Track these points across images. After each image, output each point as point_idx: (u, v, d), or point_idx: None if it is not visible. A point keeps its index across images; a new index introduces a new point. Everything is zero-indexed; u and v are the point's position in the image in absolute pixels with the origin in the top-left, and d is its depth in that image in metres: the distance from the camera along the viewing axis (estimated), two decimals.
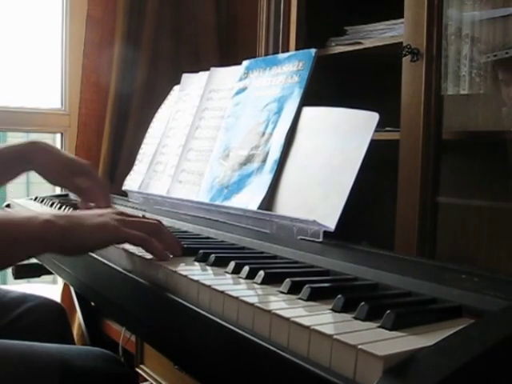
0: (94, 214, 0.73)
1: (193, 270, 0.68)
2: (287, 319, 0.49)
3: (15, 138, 4.09)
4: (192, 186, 1.21)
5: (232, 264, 0.67)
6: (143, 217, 0.82)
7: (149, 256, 0.74)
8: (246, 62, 1.24)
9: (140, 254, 0.77)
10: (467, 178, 1.12)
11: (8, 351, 0.85)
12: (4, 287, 1.28)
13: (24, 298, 1.15)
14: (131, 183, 1.47)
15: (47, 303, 1.18)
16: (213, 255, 0.72)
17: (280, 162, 1.02)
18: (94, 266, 0.86)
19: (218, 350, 0.56)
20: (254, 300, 0.54)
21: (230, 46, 2.18)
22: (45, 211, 0.85)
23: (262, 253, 0.80)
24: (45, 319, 1.13)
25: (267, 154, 1.05)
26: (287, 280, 0.59)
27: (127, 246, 0.82)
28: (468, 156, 1.13)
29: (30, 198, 1.51)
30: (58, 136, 2.11)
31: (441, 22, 1.09)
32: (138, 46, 2.00)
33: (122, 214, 0.76)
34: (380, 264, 0.68)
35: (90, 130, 2.01)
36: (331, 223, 0.85)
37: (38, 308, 1.14)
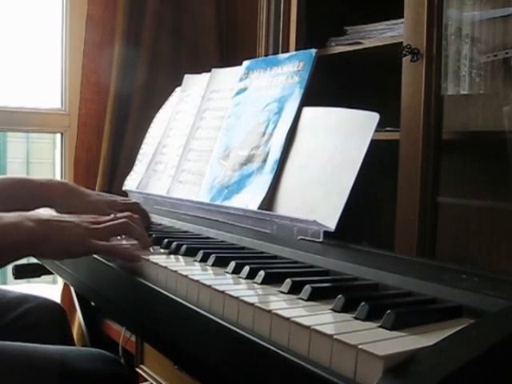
0: (70, 225, 0.75)
1: (193, 270, 0.68)
2: (287, 319, 0.49)
3: (15, 138, 4.09)
4: (192, 186, 1.21)
5: (232, 264, 0.67)
6: (115, 216, 0.83)
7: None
8: (246, 63, 1.25)
9: (140, 254, 0.78)
10: (467, 178, 1.12)
11: (7, 352, 0.84)
12: (3, 287, 1.28)
13: (24, 299, 1.15)
14: (131, 183, 1.47)
15: (47, 304, 1.18)
16: (213, 255, 0.72)
17: (280, 162, 1.02)
18: (94, 265, 0.86)
19: (218, 350, 0.56)
20: (254, 300, 0.54)
21: (230, 46, 2.18)
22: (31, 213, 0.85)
23: (262, 253, 0.80)
24: (44, 320, 1.13)
25: (267, 154, 1.05)
26: (287, 280, 0.59)
27: (127, 245, 0.82)
28: (468, 156, 1.13)
29: None
30: (58, 136, 2.11)
31: (441, 22, 1.09)
32: (138, 46, 2.00)
33: (94, 222, 0.78)
34: (380, 264, 0.68)
35: (90, 130, 2.01)
36: (331, 223, 0.85)
37: (37, 308, 1.14)
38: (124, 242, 0.82)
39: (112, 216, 0.83)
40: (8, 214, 0.74)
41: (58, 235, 0.74)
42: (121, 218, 0.82)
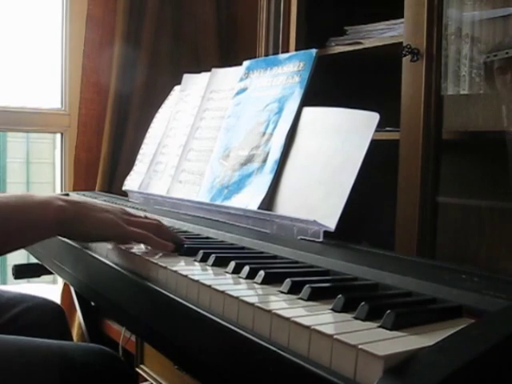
0: (102, 209, 0.78)
1: (193, 270, 0.68)
2: (287, 319, 0.49)
3: (15, 138, 4.09)
4: (192, 186, 1.21)
5: (232, 264, 0.67)
6: (145, 217, 0.86)
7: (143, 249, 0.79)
8: (246, 63, 1.25)
9: (140, 253, 0.78)
10: (467, 177, 1.12)
11: (8, 346, 0.85)
12: (1, 287, 1.28)
13: (21, 299, 1.15)
14: (131, 183, 1.47)
15: (45, 303, 1.18)
16: (213, 255, 0.72)
17: (280, 162, 1.02)
18: (94, 266, 0.86)
19: (218, 350, 0.56)
20: (254, 300, 0.54)
21: (230, 46, 2.18)
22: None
23: (262, 253, 0.80)
24: (42, 319, 1.13)
25: (267, 154, 1.05)
26: (287, 280, 0.59)
27: (127, 246, 0.82)
28: (468, 156, 1.13)
29: None
30: (58, 136, 2.11)
31: (441, 22, 1.09)
32: (138, 46, 2.00)
33: (127, 213, 0.81)
34: (380, 264, 0.68)
35: (90, 130, 2.01)
36: (331, 223, 0.85)
37: (35, 308, 1.14)
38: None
39: (143, 215, 0.87)
40: (40, 195, 0.76)
41: (88, 217, 0.76)
42: (152, 219, 0.84)
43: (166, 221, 1.07)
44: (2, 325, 1.09)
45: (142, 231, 0.78)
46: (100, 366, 0.89)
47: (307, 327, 0.47)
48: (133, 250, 0.79)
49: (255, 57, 1.47)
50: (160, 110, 1.52)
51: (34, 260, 1.25)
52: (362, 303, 0.51)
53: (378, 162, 0.97)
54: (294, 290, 0.58)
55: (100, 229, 0.77)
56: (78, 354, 0.89)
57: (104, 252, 0.86)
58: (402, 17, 1.15)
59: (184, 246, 0.79)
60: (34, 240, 0.80)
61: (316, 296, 0.56)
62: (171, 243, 0.79)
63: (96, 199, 1.33)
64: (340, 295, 0.53)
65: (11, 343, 0.86)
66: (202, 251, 0.74)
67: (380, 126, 0.92)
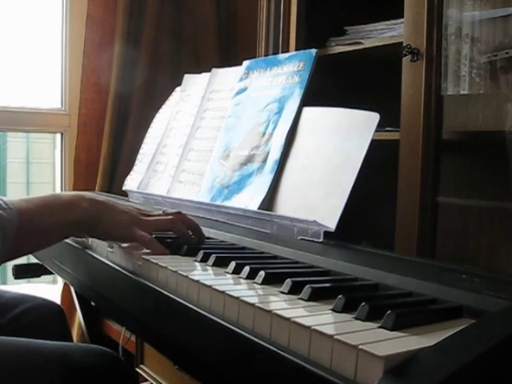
0: (121, 210, 0.83)
1: (193, 270, 0.68)
2: (288, 319, 0.49)
3: (15, 138, 4.09)
4: (192, 186, 1.21)
5: (232, 264, 0.67)
6: (163, 212, 0.89)
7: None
8: (246, 63, 1.25)
9: (140, 253, 0.78)
10: (467, 178, 1.11)
11: (8, 347, 0.85)
12: (1, 288, 1.28)
13: (21, 299, 1.15)
14: (131, 183, 1.47)
15: (45, 304, 1.18)
16: (213, 255, 0.72)
17: (280, 162, 1.02)
18: (94, 266, 0.86)
19: (219, 350, 0.56)
20: (254, 300, 0.54)
21: (230, 46, 2.18)
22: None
23: (262, 253, 0.80)
24: (42, 320, 1.13)
25: (267, 154, 1.05)
26: (288, 280, 0.59)
27: (127, 245, 0.82)
28: (468, 156, 1.13)
29: None
30: (58, 136, 2.11)
31: (441, 22, 1.09)
32: (138, 46, 2.00)
33: (144, 214, 0.85)
34: (380, 264, 0.68)
35: (90, 130, 2.01)
36: (331, 223, 0.85)
37: (35, 309, 1.14)
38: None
39: (161, 212, 0.89)
40: (66, 193, 0.82)
41: (107, 217, 0.80)
42: (169, 214, 0.87)
43: None
44: (2, 325, 1.09)
45: (144, 235, 0.80)
46: (100, 367, 0.89)
47: (307, 327, 0.47)
48: (132, 250, 0.79)
49: (255, 57, 1.46)
50: (160, 110, 1.52)
51: (34, 260, 1.25)
52: (363, 303, 0.51)
53: (378, 162, 0.97)
54: (295, 290, 0.58)
55: (117, 231, 0.81)
56: (78, 355, 0.89)
57: (104, 252, 0.86)
58: (402, 17, 1.15)
59: (184, 246, 0.79)
60: (58, 240, 0.85)
61: (316, 296, 0.56)
62: (167, 249, 0.81)
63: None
64: (340, 295, 0.53)
65: (11, 345, 0.86)
66: (202, 251, 0.74)
67: (380, 126, 0.92)
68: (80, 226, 0.80)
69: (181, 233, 0.85)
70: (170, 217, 0.86)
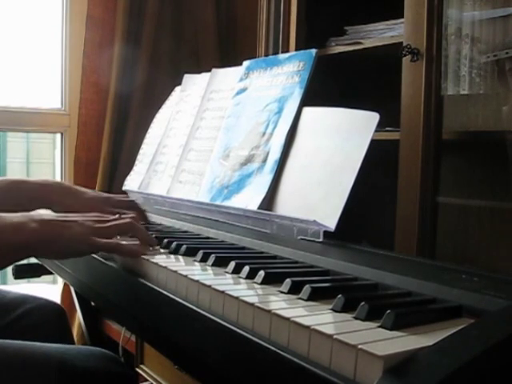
0: (73, 225, 0.75)
1: (193, 270, 0.68)
2: (287, 319, 0.49)
3: (15, 138, 4.09)
4: (192, 186, 1.21)
5: (232, 264, 0.67)
6: (119, 216, 0.84)
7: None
8: (246, 63, 1.25)
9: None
10: (467, 178, 1.12)
11: (7, 350, 0.84)
12: (3, 288, 1.28)
13: (23, 300, 1.15)
14: (131, 183, 1.47)
15: (46, 305, 1.18)
16: (213, 255, 0.72)
17: (280, 162, 1.02)
18: (94, 265, 0.86)
19: (218, 350, 0.56)
20: (254, 300, 0.54)
21: (230, 46, 2.18)
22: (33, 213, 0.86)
23: (262, 253, 0.80)
24: (44, 321, 1.13)
25: (267, 154, 1.05)
26: (287, 280, 0.59)
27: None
28: (468, 156, 1.13)
29: None
30: (58, 136, 2.11)
31: (441, 22, 1.09)
32: (138, 46, 2.00)
33: (98, 221, 0.78)
34: (380, 264, 0.68)
35: (90, 130, 2.01)
36: (331, 223, 0.85)
37: (37, 309, 1.14)
38: (124, 243, 0.83)
39: (116, 216, 0.84)
40: (11, 215, 0.73)
41: (61, 236, 0.73)
42: (125, 218, 0.82)
43: (166, 221, 1.07)
44: (4, 326, 1.09)
45: (109, 242, 0.76)
46: (101, 370, 0.89)
47: (307, 327, 0.47)
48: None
49: (255, 57, 1.46)
50: (160, 110, 1.52)
51: (34, 260, 1.25)
52: (362, 303, 0.51)
53: (378, 162, 0.97)
54: (294, 289, 0.58)
55: (68, 248, 0.75)
56: (78, 358, 0.88)
57: (104, 252, 0.86)
58: (402, 17, 1.15)
59: (184, 246, 0.79)
60: (5, 264, 0.76)
61: (316, 296, 0.56)
62: (140, 248, 0.78)
63: None
64: (340, 295, 0.53)
65: (11, 348, 0.85)
66: (201, 251, 0.74)
67: (380, 126, 0.92)
68: (28, 249, 0.73)
69: (141, 235, 0.81)
70: (126, 220, 0.81)
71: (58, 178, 2.11)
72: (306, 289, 0.56)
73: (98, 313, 1.70)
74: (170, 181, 1.30)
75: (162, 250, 0.81)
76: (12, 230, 0.71)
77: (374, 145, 0.87)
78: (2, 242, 0.71)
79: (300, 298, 0.56)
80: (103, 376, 0.89)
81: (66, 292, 1.95)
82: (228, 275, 0.66)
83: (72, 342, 1.21)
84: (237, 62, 1.28)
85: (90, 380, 0.87)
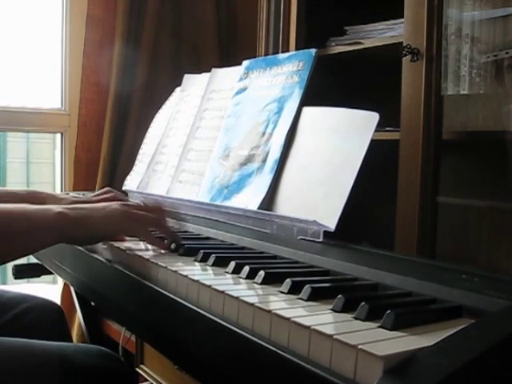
0: (100, 207, 0.79)
1: (193, 270, 0.68)
2: (287, 319, 0.49)
3: (15, 138, 4.09)
4: (192, 185, 1.21)
5: (232, 264, 0.67)
6: (145, 205, 0.88)
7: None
8: (246, 62, 1.24)
9: (140, 253, 0.78)
10: (467, 178, 1.12)
11: (7, 347, 0.85)
12: (1, 287, 1.28)
13: (22, 299, 1.15)
14: (131, 183, 1.47)
15: (45, 304, 1.18)
16: (213, 255, 0.72)
17: (280, 162, 1.02)
18: (94, 265, 0.86)
19: (218, 350, 0.56)
20: (254, 300, 0.54)
21: (230, 45, 2.18)
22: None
23: (262, 253, 0.80)
24: (42, 319, 1.13)
25: (267, 154, 1.05)
26: (287, 280, 0.59)
27: (127, 245, 0.82)
28: (468, 156, 1.13)
29: None
30: (58, 136, 2.11)
31: (441, 22, 1.09)
32: (138, 46, 2.00)
33: (126, 205, 0.82)
34: (380, 264, 0.68)
35: (90, 130, 2.01)
36: (331, 223, 0.85)
37: (35, 308, 1.14)
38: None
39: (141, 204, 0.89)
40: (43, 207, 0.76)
41: (90, 219, 0.76)
42: (153, 208, 0.86)
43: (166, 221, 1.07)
44: (3, 325, 1.09)
45: (144, 227, 0.79)
46: (100, 367, 0.89)
47: (307, 327, 0.47)
48: (132, 250, 0.79)
49: (255, 57, 1.46)
50: (160, 110, 1.52)
51: (34, 260, 1.25)
52: (362, 303, 0.51)
53: (378, 162, 0.97)
54: (294, 290, 0.58)
55: (104, 226, 0.78)
56: (77, 355, 0.89)
57: (104, 252, 0.86)
58: (402, 17, 1.15)
59: (184, 246, 0.79)
60: (36, 247, 0.79)
61: (316, 296, 0.56)
62: (166, 242, 0.81)
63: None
64: (340, 295, 0.53)
65: (10, 345, 0.86)
66: (202, 251, 0.74)
67: (380, 126, 0.92)
68: (59, 232, 0.74)
69: (166, 231, 0.84)
70: (155, 215, 0.85)
71: (58, 178, 2.11)
72: (306, 289, 0.56)
73: (97, 313, 1.70)
74: (169, 181, 1.30)
75: (162, 250, 0.81)
76: (41, 213, 0.74)
77: (374, 145, 0.87)
78: (31, 225, 0.73)
79: (300, 298, 0.56)
80: (102, 373, 0.89)
81: (65, 292, 1.95)
82: (228, 275, 0.66)
83: (70, 341, 1.22)
84: (237, 62, 1.28)
85: (89, 377, 0.87)
